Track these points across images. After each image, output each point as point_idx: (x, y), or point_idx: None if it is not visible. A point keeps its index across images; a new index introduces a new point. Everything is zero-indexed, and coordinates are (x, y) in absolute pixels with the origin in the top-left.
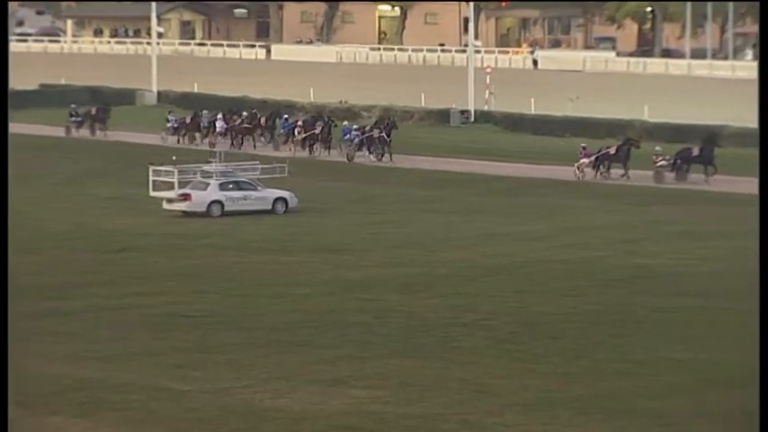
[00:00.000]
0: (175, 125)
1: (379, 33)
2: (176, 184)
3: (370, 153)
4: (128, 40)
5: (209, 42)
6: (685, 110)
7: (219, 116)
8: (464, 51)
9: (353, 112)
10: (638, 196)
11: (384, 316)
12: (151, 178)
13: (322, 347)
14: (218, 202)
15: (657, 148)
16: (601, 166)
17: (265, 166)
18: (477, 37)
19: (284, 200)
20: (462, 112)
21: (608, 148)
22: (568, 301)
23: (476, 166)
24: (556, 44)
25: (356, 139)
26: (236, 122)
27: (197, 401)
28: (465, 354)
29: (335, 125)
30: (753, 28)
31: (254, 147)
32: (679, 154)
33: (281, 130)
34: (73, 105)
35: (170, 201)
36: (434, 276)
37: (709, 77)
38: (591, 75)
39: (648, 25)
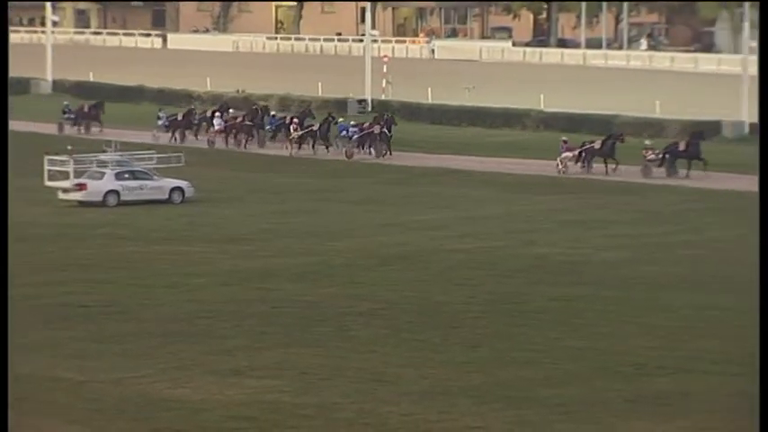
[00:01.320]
0: (167, 122)
1: (276, 23)
2: (72, 174)
3: (370, 150)
4: (22, 28)
5: (104, 31)
6: (581, 99)
7: (217, 113)
8: (361, 41)
9: (251, 101)
10: (536, 186)
11: (281, 306)
12: (46, 168)
13: (219, 337)
14: (115, 191)
15: (647, 141)
16: (584, 161)
17: (161, 155)
18: (374, 26)
19: (181, 189)
20: (359, 101)
21: (592, 142)
22: (466, 290)
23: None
24: (453, 34)
25: (355, 136)
26: (237, 120)
27: (94, 391)
28: (362, 343)
29: (336, 122)
30: (647, 18)
31: (245, 146)
32: (667, 149)
33: (268, 127)
34: (66, 103)
35: (65, 191)
36: (332, 266)
37: (604, 67)
38: (487, 64)
39: (544, 15)
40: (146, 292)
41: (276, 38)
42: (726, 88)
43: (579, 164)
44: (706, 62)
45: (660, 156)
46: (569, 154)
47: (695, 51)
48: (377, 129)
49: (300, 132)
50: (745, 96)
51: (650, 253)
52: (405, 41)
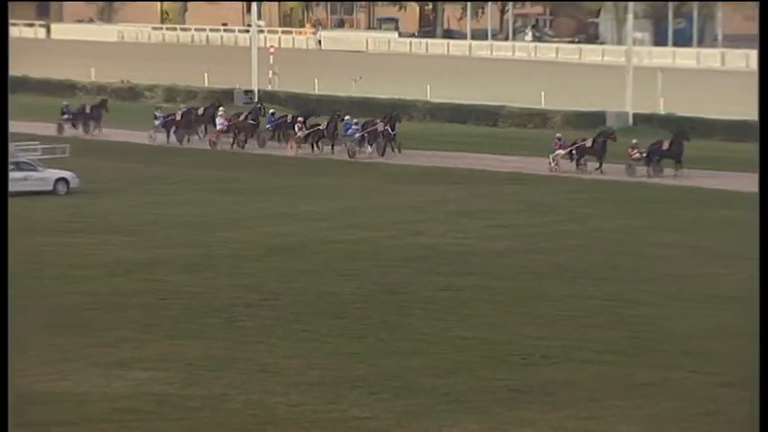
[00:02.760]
0: (163, 122)
1: (162, 13)
2: None
3: (370, 147)
4: None
5: None
6: (467, 90)
7: (221, 111)
8: (247, 31)
9: (136, 92)
10: (422, 176)
11: (168, 297)
12: None
13: (104, 329)
14: None
15: (634, 140)
16: (576, 158)
17: (46, 146)
18: (260, 17)
19: (65, 180)
20: (246, 92)
21: (584, 140)
22: (352, 280)
23: (255, 146)
24: (339, 24)
25: (356, 134)
26: (240, 118)
27: None
28: (250, 334)
29: (342, 119)
30: (531, 9)
31: (242, 146)
32: (650, 148)
33: (267, 126)
34: (65, 103)
35: None
36: (219, 257)
37: (489, 58)
38: (374, 55)
39: (430, 6)
40: (29, 284)
41: (162, 28)
42: (610, 79)
43: (572, 162)
44: (590, 53)
45: (645, 155)
46: (562, 151)
47: (579, 42)
48: (380, 126)
49: (307, 131)
50: (629, 87)
51: (535, 243)
52: (291, 32)
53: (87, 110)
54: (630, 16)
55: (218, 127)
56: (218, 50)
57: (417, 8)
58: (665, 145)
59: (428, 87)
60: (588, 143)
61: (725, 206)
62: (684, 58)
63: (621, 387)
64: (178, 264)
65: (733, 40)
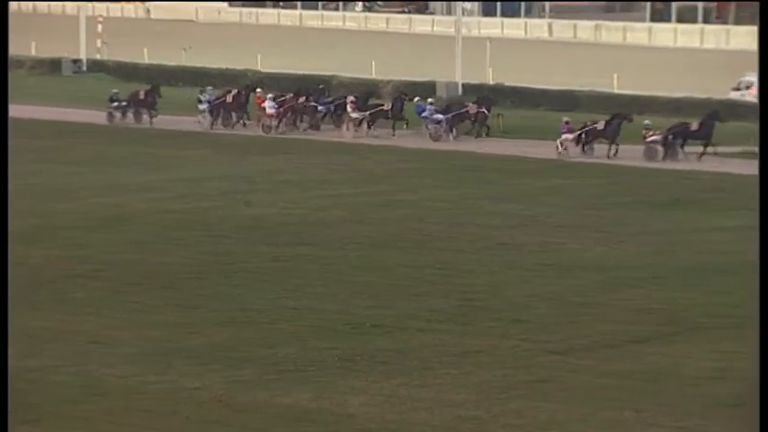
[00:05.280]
0: (210, 107)
1: None
2: None
3: (453, 131)
4: None
5: None
6: (298, 60)
7: (269, 96)
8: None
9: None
10: (254, 146)
11: None
12: None
13: None
14: None
15: (647, 121)
16: (585, 143)
17: None
18: None
19: None
20: (74, 61)
21: (594, 123)
22: (184, 251)
23: (89, 116)
24: None
25: (440, 116)
26: (298, 100)
27: None
28: (81, 305)
29: (409, 99)
30: None
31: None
32: (673, 129)
33: (320, 109)
34: (114, 90)
35: None
36: (51, 228)
37: (320, 28)
38: (204, 25)
39: None
40: None
41: None
42: (440, 49)
43: (580, 146)
44: (421, 24)
45: (666, 136)
46: (570, 135)
47: (410, 13)
48: (473, 108)
49: (369, 111)
50: (458, 57)
51: (366, 213)
52: (119, 1)
53: (141, 96)
54: None
55: (268, 111)
56: (46, 19)
57: None
58: (695, 125)
59: (258, 57)
60: (600, 126)
61: (555, 175)
62: (512, 28)
63: (453, 355)
64: (12, 235)
65: (560, 11)
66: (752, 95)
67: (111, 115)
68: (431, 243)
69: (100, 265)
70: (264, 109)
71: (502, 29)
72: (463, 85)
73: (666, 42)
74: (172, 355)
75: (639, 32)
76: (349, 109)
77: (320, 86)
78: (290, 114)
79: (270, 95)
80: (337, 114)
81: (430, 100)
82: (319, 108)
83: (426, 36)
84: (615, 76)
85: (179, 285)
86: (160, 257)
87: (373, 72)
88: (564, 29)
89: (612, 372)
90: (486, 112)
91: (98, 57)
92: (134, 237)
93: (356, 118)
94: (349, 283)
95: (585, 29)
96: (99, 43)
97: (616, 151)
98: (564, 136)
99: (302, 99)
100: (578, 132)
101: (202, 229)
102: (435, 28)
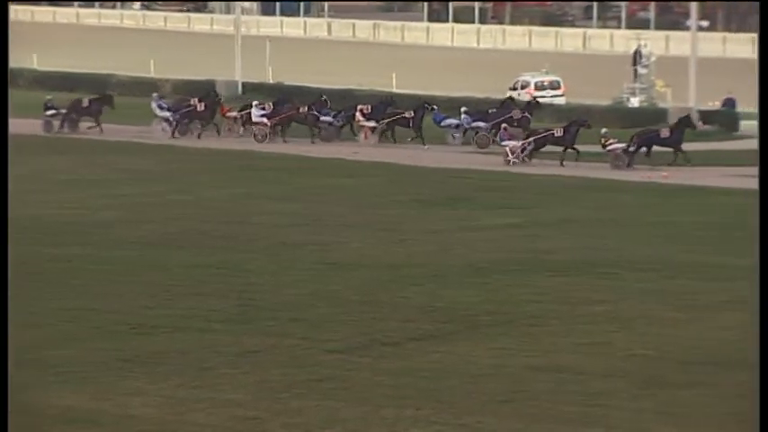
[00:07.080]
0: (177, 115)
1: None
2: None
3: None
4: None
5: None
6: (75, 59)
7: (255, 103)
8: None
9: None
10: (26, 146)
11: None
12: None
13: None
14: None
15: (604, 129)
16: (531, 151)
17: None
18: None
19: None
20: None
21: (550, 130)
22: None
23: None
24: None
25: (481, 124)
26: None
27: None
28: None
29: (433, 109)
30: None
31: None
32: (641, 136)
33: (323, 119)
34: (48, 97)
35: None
36: None
37: (98, 26)
38: None
39: None
40: None
41: None
42: (219, 48)
43: (524, 154)
44: (199, 22)
45: (628, 145)
46: (515, 143)
47: (188, 11)
48: (516, 113)
49: (387, 120)
50: (238, 56)
51: (145, 212)
52: None
53: (85, 103)
54: None
55: (255, 119)
56: None
57: None
58: (665, 132)
59: (34, 56)
60: (559, 132)
61: (338, 174)
62: (292, 27)
63: (232, 355)
64: None
65: (338, 11)
66: (528, 95)
67: (48, 124)
68: (209, 242)
69: None
70: (232, 118)
71: (281, 28)
72: (243, 83)
73: (444, 42)
74: None
75: (417, 32)
76: (359, 117)
77: (323, 98)
78: (278, 125)
79: (255, 102)
80: (351, 124)
81: (464, 109)
82: (322, 118)
83: (205, 35)
84: (394, 75)
85: None
86: None
87: (152, 71)
88: (343, 28)
89: (393, 370)
90: (528, 116)
91: None
92: None
93: (372, 127)
94: (128, 282)
95: (364, 28)
96: None
97: (574, 157)
98: (507, 143)
99: (303, 109)
100: (532, 138)
101: None
102: (214, 27)
